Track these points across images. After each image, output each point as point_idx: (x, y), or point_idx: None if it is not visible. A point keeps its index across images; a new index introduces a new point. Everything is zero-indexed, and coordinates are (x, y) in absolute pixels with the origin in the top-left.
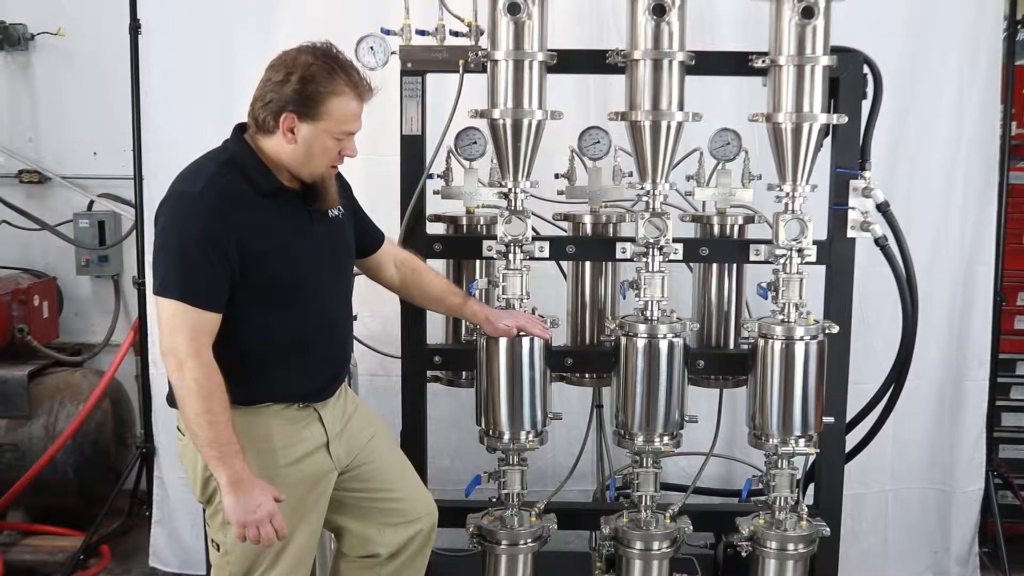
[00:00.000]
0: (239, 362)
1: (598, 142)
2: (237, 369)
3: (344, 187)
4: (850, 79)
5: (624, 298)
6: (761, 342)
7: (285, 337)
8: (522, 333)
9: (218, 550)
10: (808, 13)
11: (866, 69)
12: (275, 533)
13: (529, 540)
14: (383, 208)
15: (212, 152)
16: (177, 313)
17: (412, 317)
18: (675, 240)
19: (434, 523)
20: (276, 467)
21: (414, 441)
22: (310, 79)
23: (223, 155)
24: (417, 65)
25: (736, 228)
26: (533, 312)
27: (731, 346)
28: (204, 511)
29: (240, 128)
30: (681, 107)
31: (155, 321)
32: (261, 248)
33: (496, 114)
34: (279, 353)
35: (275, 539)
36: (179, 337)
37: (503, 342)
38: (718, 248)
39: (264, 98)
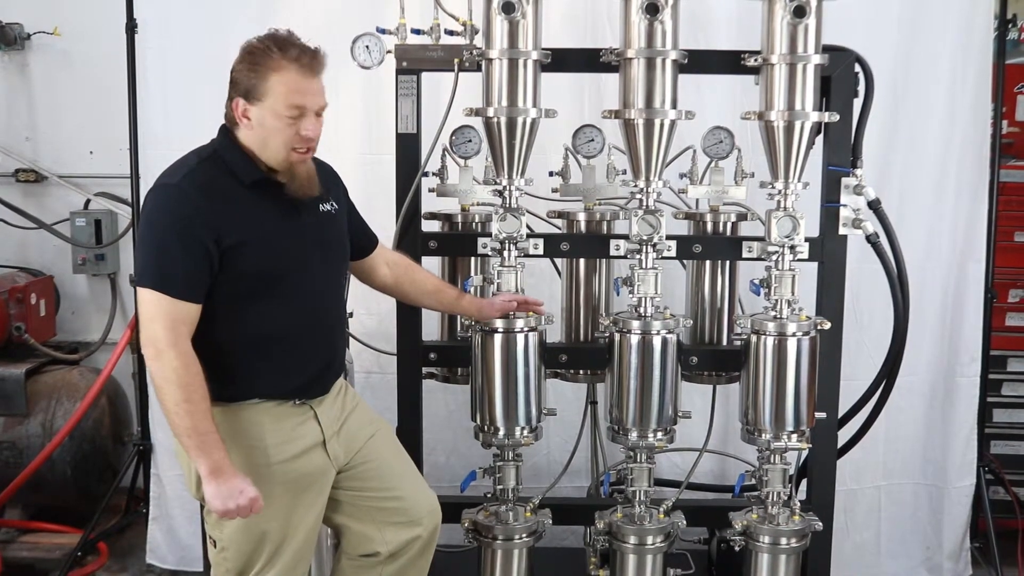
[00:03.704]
0: (223, 358)
1: (592, 140)
2: (222, 365)
3: (339, 185)
4: (842, 77)
5: (618, 295)
6: (754, 338)
7: (269, 331)
8: (516, 316)
9: (215, 547)
10: (800, 12)
11: (858, 68)
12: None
13: (524, 535)
14: (379, 206)
15: (197, 148)
16: (155, 302)
17: (407, 314)
18: (668, 237)
19: (437, 524)
20: (268, 464)
21: (410, 438)
22: (249, 61)
23: (206, 150)
24: (412, 64)
25: (729, 225)
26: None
27: (724, 342)
28: (201, 508)
29: (226, 127)
30: (674, 105)
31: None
32: (241, 239)
33: (491, 112)
34: (263, 347)
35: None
36: (157, 326)
37: (498, 338)
38: (711, 245)
39: (228, 95)
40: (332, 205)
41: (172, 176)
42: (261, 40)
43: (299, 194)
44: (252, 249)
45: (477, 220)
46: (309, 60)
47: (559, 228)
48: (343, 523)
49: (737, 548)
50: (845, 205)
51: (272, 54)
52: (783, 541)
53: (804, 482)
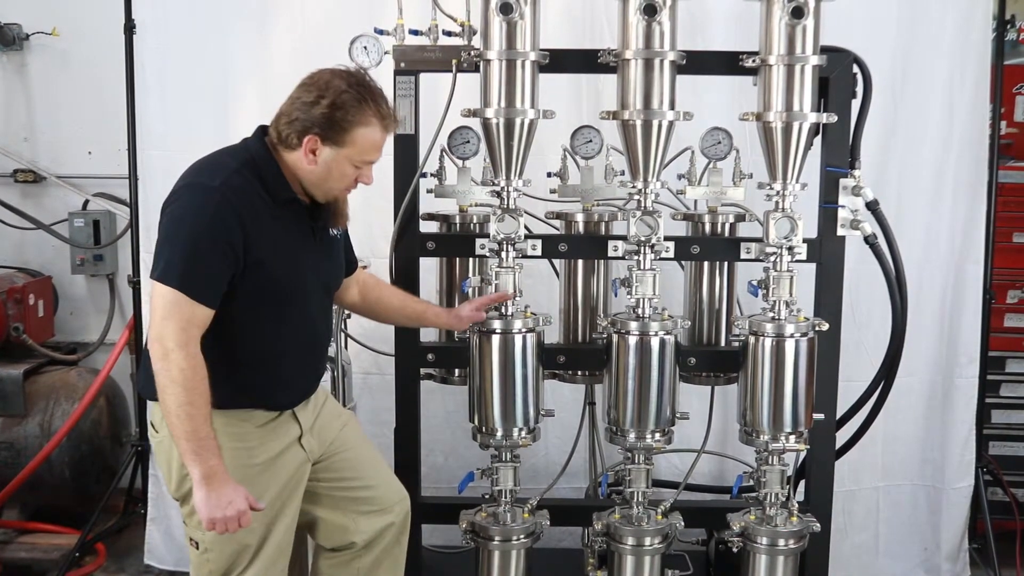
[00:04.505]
0: (224, 367)
1: (590, 141)
2: (221, 373)
3: None
4: (840, 78)
5: (616, 296)
6: (752, 339)
7: (271, 346)
8: (514, 317)
9: (197, 548)
10: (798, 13)
11: (856, 68)
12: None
13: (522, 536)
14: (377, 206)
15: (231, 149)
16: (173, 302)
17: None
18: (666, 238)
19: (407, 511)
20: (251, 465)
21: (408, 439)
22: (340, 106)
23: (243, 154)
24: (410, 65)
25: (727, 226)
26: (526, 309)
27: (722, 343)
28: (181, 508)
29: (262, 130)
30: (672, 106)
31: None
32: (264, 254)
33: (489, 113)
34: (263, 361)
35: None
36: (170, 326)
37: (496, 339)
38: (709, 246)
39: (290, 115)
40: (336, 230)
41: (211, 177)
42: (352, 87)
43: (337, 225)
44: (272, 265)
45: (475, 221)
46: (392, 121)
47: (557, 229)
48: (318, 515)
49: (735, 549)
50: (843, 206)
51: (366, 108)
52: (781, 542)
53: (802, 483)
